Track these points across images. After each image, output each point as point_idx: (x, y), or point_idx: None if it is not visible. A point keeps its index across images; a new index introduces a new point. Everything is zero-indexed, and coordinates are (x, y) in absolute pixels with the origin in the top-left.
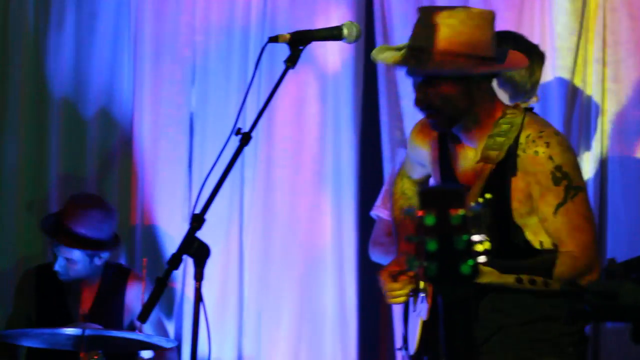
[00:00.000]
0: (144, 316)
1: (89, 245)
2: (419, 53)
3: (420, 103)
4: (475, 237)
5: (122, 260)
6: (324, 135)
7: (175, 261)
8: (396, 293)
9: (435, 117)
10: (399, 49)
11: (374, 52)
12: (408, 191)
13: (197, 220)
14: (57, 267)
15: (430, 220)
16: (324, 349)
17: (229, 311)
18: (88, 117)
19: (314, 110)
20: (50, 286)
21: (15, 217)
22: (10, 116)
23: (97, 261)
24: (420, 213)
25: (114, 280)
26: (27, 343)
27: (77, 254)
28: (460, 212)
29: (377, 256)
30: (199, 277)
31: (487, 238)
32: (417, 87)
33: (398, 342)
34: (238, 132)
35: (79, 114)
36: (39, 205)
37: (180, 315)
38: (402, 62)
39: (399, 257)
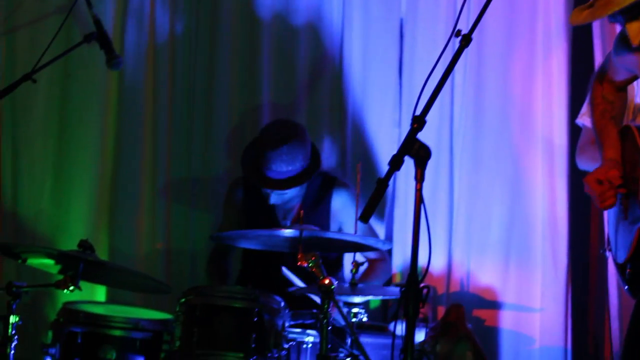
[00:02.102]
0: (365, 216)
1: (299, 180)
2: None
3: None
4: None
5: (333, 164)
6: (534, 35)
7: (397, 162)
8: (605, 196)
9: None
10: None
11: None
12: (609, 95)
13: (418, 122)
14: (273, 201)
15: None
16: (534, 254)
17: (439, 217)
18: (298, 26)
19: (525, 11)
20: (257, 193)
21: (229, 127)
22: (223, 35)
23: (307, 183)
24: None
25: (320, 188)
26: (245, 245)
27: (289, 191)
28: None
29: (584, 163)
30: (420, 178)
31: None
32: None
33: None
34: (458, 33)
35: (289, 25)
36: (251, 113)
37: (390, 218)
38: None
39: (604, 163)
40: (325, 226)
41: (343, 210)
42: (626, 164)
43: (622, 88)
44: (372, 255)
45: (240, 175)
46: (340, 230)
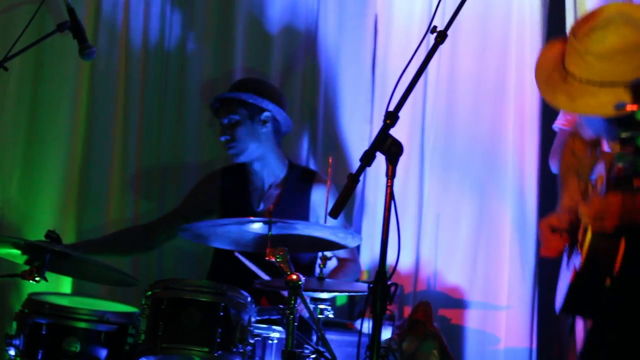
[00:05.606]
0: (335, 212)
1: (245, 89)
2: None
3: None
4: None
5: (304, 159)
6: (509, 33)
7: (368, 158)
8: (552, 244)
9: None
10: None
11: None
12: (578, 151)
13: (390, 118)
14: (221, 134)
15: None
16: (502, 254)
17: (408, 214)
18: (273, 19)
19: (500, 8)
20: (235, 185)
21: (200, 120)
22: (197, 32)
23: (260, 127)
24: (631, 108)
25: (299, 181)
26: (214, 243)
27: (236, 111)
28: None
29: (557, 167)
30: (391, 174)
31: None
32: None
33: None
34: (433, 30)
35: (264, 19)
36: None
37: (359, 215)
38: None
39: (561, 212)
40: (305, 220)
41: (322, 206)
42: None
43: (593, 145)
44: (342, 254)
45: (219, 168)
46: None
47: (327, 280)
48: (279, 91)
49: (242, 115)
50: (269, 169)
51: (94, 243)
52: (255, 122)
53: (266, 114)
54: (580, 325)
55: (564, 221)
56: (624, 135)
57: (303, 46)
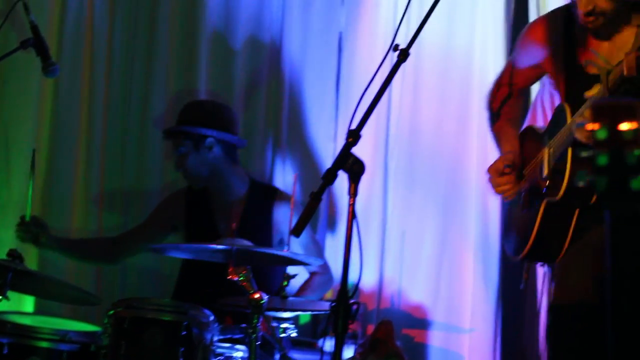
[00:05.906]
0: (297, 230)
1: (187, 123)
2: None
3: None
4: None
5: (268, 175)
6: (472, 51)
7: (330, 176)
8: (502, 188)
9: (595, 20)
10: None
11: None
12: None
13: (353, 136)
14: (175, 168)
15: (601, 134)
16: (465, 273)
17: (371, 232)
18: (237, 36)
19: (463, 26)
20: (199, 205)
21: (161, 146)
22: (161, 49)
23: (206, 153)
24: (592, 127)
25: (261, 199)
26: (177, 254)
27: (182, 144)
28: (634, 126)
29: None
30: (353, 193)
31: None
32: None
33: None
34: (396, 48)
35: (227, 36)
36: None
37: (322, 233)
38: None
39: (505, 154)
40: (267, 238)
41: (285, 222)
42: (527, 162)
43: (522, 92)
44: (311, 267)
45: (184, 186)
46: (281, 241)
47: (289, 298)
48: (222, 112)
49: (188, 146)
50: (229, 189)
51: (65, 241)
52: (200, 150)
53: (209, 140)
54: (544, 345)
55: (509, 159)
56: (584, 154)
57: (267, 62)
